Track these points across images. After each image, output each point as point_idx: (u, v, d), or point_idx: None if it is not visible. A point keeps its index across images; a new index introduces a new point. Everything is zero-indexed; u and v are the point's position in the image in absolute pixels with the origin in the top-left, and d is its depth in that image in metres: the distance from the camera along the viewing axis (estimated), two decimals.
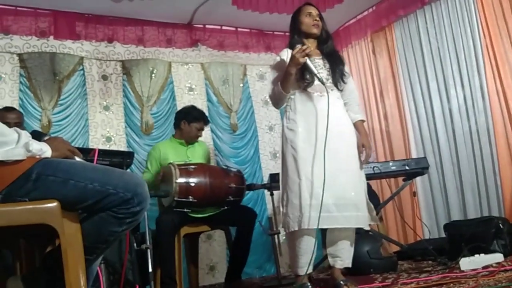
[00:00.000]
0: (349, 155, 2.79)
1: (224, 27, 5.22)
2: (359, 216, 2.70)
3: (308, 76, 2.78)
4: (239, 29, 5.31)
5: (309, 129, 2.74)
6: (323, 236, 2.95)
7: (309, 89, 2.80)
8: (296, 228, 2.64)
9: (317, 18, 2.90)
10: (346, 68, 3.01)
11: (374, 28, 5.28)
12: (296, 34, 2.93)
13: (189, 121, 3.79)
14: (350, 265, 2.81)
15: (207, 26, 5.15)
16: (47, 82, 4.33)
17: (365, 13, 5.33)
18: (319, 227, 2.59)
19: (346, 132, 2.83)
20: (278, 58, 2.91)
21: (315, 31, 2.89)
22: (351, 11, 5.28)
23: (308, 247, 2.68)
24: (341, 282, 2.67)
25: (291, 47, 2.81)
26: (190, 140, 3.82)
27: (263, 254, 4.82)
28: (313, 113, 2.76)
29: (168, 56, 5.02)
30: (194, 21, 5.04)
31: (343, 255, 2.79)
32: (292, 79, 2.73)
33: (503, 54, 4.07)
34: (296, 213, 2.65)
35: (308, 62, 2.70)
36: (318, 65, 2.84)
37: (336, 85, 2.87)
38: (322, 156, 2.61)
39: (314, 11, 2.92)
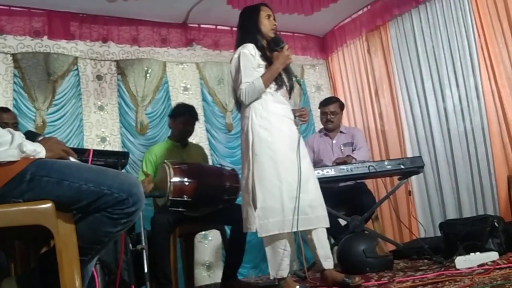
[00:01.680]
0: (308, 161, 2.88)
1: (219, 27, 5.21)
2: (325, 216, 2.78)
3: (279, 79, 2.87)
4: (234, 29, 5.29)
5: (283, 131, 2.79)
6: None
7: (277, 87, 2.88)
8: (277, 232, 2.65)
9: (275, 22, 2.97)
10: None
11: (369, 28, 5.28)
12: (257, 34, 2.94)
13: (174, 117, 3.80)
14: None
15: (202, 25, 5.14)
16: (41, 82, 4.31)
17: (360, 12, 5.34)
18: (302, 229, 2.65)
19: (301, 138, 2.88)
20: (246, 52, 2.85)
21: (272, 34, 2.95)
22: (346, 11, 5.29)
23: (288, 250, 2.72)
24: (346, 279, 2.68)
25: (255, 43, 2.89)
26: (181, 137, 3.81)
27: (259, 253, 4.81)
28: (283, 116, 2.84)
29: (163, 56, 5.01)
30: (189, 20, 5.03)
31: (331, 255, 2.84)
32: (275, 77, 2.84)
33: (498, 54, 4.08)
34: (277, 217, 2.65)
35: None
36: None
37: (290, 90, 2.97)
38: (295, 159, 2.70)
39: (272, 14, 2.99)
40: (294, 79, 2.97)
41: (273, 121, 2.78)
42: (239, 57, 2.86)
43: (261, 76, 2.79)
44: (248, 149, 2.79)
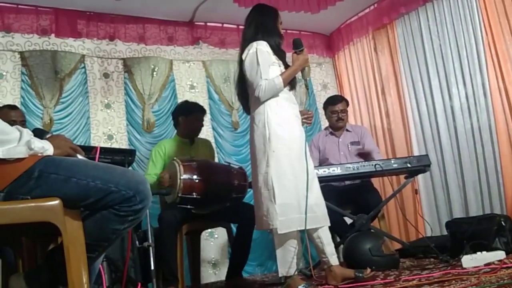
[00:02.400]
0: (311, 160, 2.91)
1: (225, 25, 5.21)
2: (327, 214, 2.83)
3: (293, 80, 2.95)
4: (240, 27, 5.28)
5: (295, 130, 2.84)
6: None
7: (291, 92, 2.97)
8: (296, 229, 2.69)
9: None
10: None
11: (375, 26, 5.27)
12: (276, 36, 2.99)
13: (186, 115, 3.82)
14: None
15: (208, 24, 5.14)
16: (48, 80, 4.34)
17: (367, 10, 5.33)
18: (314, 227, 2.74)
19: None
20: (263, 49, 2.85)
21: (282, 41, 3.05)
22: (352, 9, 5.28)
23: (297, 247, 2.75)
24: (358, 273, 2.72)
25: (272, 42, 2.93)
26: (194, 133, 3.84)
27: (264, 251, 4.82)
28: (294, 115, 2.90)
29: (169, 54, 5.02)
30: (195, 18, 5.03)
31: (335, 251, 2.87)
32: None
33: (505, 52, 4.06)
34: (295, 214, 2.67)
35: (306, 68, 2.96)
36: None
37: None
38: (304, 158, 2.75)
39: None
40: (303, 82, 3.00)
41: (287, 119, 2.83)
42: (256, 53, 2.84)
43: (281, 75, 2.82)
44: (265, 145, 2.77)
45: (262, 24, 2.99)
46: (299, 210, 2.67)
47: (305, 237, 2.76)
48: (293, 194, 2.70)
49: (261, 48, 2.85)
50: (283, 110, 2.83)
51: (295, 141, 2.80)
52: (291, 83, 2.92)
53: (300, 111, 2.99)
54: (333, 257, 2.80)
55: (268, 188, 2.74)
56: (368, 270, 2.70)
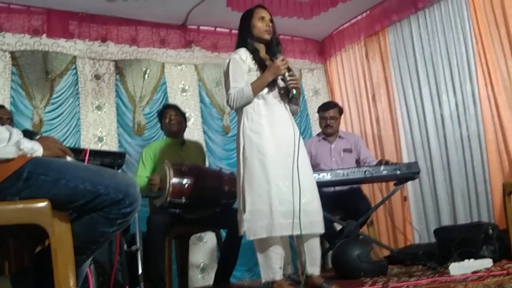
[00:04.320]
0: (306, 163, 2.84)
1: (218, 29, 5.21)
2: (321, 221, 2.75)
3: (271, 83, 2.83)
4: (233, 31, 5.30)
5: (275, 134, 2.77)
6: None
7: (269, 91, 2.84)
8: (265, 236, 2.63)
9: (270, 24, 2.92)
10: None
11: (367, 33, 5.30)
12: (248, 37, 2.92)
13: (161, 117, 3.95)
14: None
15: (201, 27, 5.14)
16: (39, 81, 4.31)
17: (359, 17, 5.36)
18: (289, 233, 2.63)
19: (300, 139, 2.84)
20: (236, 57, 2.84)
21: (266, 36, 2.91)
22: (345, 15, 5.30)
23: (280, 253, 2.71)
24: (324, 284, 2.69)
25: (247, 46, 2.88)
26: (173, 130, 3.86)
27: (253, 256, 4.78)
28: (277, 118, 2.81)
29: (161, 57, 5.01)
30: (188, 22, 5.03)
31: (319, 262, 2.81)
32: (265, 86, 2.81)
33: (495, 61, 4.10)
34: (265, 220, 2.63)
35: (286, 75, 2.80)
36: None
37: (288, 93, 2.90)
38: (289, 163, 2.68)
39: (267, 16, 2.93)
40: (291, 93, 2.86)
41: (264, 124, 2.77)
42: (229, 62, 2.85)
43: (251, 83, 2.79)
44: (239, 153, 2.81)
45: (240, 31, 3.00)
46: (271, 216, 2.61)
47: (294, 242, 2.75)
48: (264, 200, 2.65)
49: (235, 57, 2.84)
50: (259, 116, 2.78)
51: (273, 146, 2.73)
52: (268, 85, 2.83)
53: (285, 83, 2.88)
54: (312, 266, 2.77)
55: (242, 195, 2.75)
56: (334, 286, 2.67)
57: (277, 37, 3.01)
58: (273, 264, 2.68)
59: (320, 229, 2.75)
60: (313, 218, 2.71)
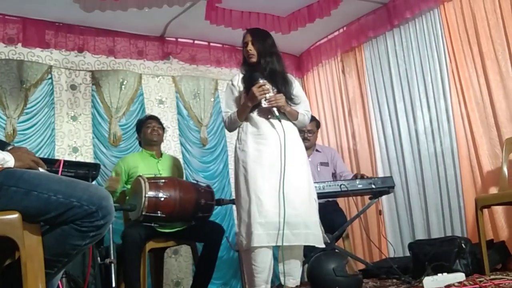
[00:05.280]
0: (300, 176, 2.87)
1: (196, 41, 5.22)
2: (308, 233, 2.76)
3: (257, 105, 2.94)
4: (211, 44, 5.32)
5: (259, 148, 2.86)
6: None
7: (257, 110, 2.95)
8: (244, 247, 2.72)
9: (251, 48, 3.02)
10: (296, 91, 3.09)
11: (344, 48, 5.37)
12: (243, 61, 3.13)
13: (140, 127, 3.93)
14: (299, 283, 2.89)
15: (179, 39, 5.14)
16: (13, 90, 4.23)
17: (336, 33, 5.43)
18: (268, 244, 2.68)
19: (297, 151, 2.91)
20: (229, 84, 3.12)
21: (251, 61, 3.04)
22: (322, 31, 5.37)
23: (264, 265, 2.73)
24: None
25: (241, 71, 3.12)
26: (152, 140, 3.84)
27: (229, 270, 4.79)
28: (263, 135, 2.90)
29: (139, 68, 4.98)
30: (166, 34, 5.02)
31: (294, 274, 2.86)
32: (248, 111, 2.94)
33: (468, 79, 4.18)
34: (247, 231, 2.70)
35: (264, 101, 2.87)
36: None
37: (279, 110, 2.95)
38: (273, 175, 2.76)
39: (248, 39, 3.04)
40: (274, 115, 2.91)
41: (249, 142, 2.90)
42: (226, 88, 3.14)
43: (236, 110, 2.99)
44: (234, 172, 2.99)
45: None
46: (251, 227, 2.67)
47: (278, 253, 2.76)
48: (245, 212, 2.75)
49: (228, 83, 3.15)
50: (246, 134, 2.94)
51: (256, 161, 2.82)
52: (254, 107, 2.94)
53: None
54: (287, 278, 2.78)
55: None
56: None
57: (275, 51, 3.08)
58: (257, 274, 2.73)
59: (304, 241, 2.76)
60: (297, 229, 2.72)
